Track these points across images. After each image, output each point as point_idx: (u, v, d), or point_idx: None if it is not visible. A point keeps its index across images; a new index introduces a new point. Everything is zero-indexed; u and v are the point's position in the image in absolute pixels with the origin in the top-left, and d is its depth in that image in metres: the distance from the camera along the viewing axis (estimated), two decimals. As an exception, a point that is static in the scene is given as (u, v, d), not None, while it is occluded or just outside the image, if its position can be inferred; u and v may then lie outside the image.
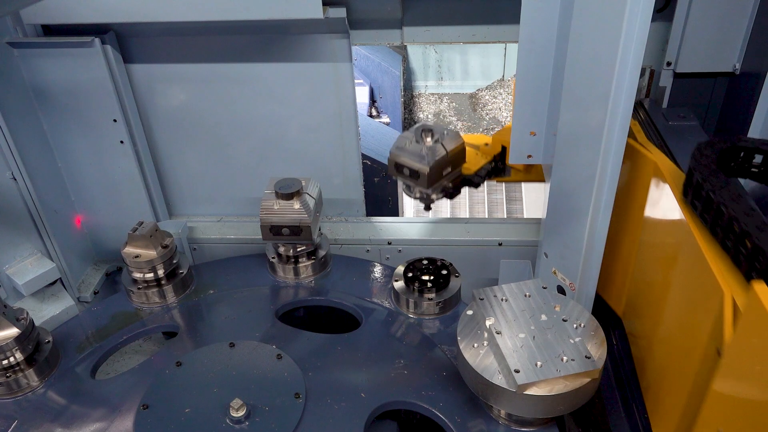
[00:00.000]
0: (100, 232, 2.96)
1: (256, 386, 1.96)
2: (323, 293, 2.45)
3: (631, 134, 1.86)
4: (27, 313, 2.06)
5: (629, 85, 1.62)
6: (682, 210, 1.57)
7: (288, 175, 2.40)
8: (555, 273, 2.18)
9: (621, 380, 2.12)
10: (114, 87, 2.53)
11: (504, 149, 2.36)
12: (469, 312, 1.92)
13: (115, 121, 2.60)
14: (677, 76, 2.49)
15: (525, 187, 6.71)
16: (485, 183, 2.42)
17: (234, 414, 1.81)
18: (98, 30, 2.43)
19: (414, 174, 2.08)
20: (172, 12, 2.31)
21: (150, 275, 2.37)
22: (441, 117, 8.34)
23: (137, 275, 2.37)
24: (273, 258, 2.50)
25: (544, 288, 1.93)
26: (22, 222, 2.52)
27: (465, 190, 2.36)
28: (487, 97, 8.32)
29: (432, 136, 2.07)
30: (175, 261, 2.44)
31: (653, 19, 1.62)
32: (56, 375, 2.11)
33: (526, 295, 1.91)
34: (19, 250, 2.56)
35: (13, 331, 1.97)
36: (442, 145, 2.09)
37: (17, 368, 2.03)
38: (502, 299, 1.90)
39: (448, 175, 2.15)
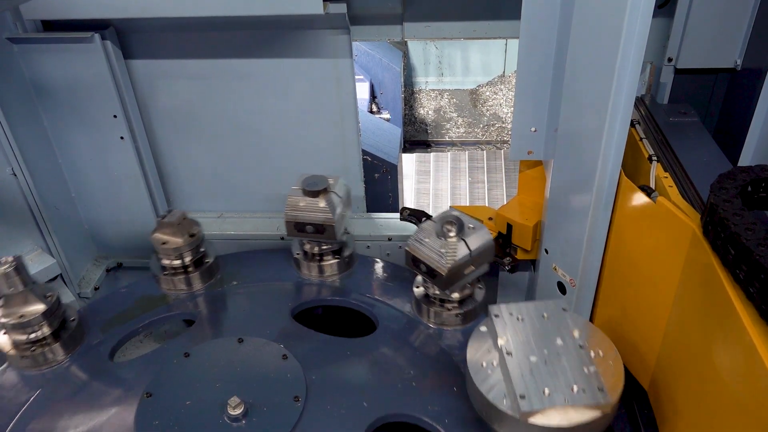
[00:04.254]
0: (100, 228, 2.96)
1: (257, 385, 1.94)
2: (343, 294, 2.38)
3: (663, 191, 1.78)
4: (54, 290, 2.11)
5: (630, 81, 1.62)
6: (726, 284, 1.41)
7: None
8: (555, 269, 2.18)
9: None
10: (114, 83, 2.52)
11: (510, 228, 2.35)
12: (483, 328, 1.80)
13: (115, 117, 2.60)
14: (678, 71, 2.49)
15: (526, 183, 6.71)
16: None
17: (231, 411, 1.80)
18: (98, 25, 2.43)
19: (431, 272, 1.98)
20: (172, 7, 2.31)
21: (177, 262, 2.38)
22: (441, 113, 8.33)
23: (165, 261, 2.39)
24: (297, 254, 2.45)
25: (565, 310, 1.79)
26: (22, 218, 2.53)
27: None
28: (487, 93, 8.30)
29: (455, 231, 1.94)
30: (202, 249, 2.44)
31: (654, 15, 1.62)
32: (79, 352, 2.14)
33: (543, 316, 1.77)
34: (20, 246, 2.56)
35: (40, 307, 2.02)
36: (465, 242, 1.94)
37: (43, 343, 2.08)
38: (517, 318, 1.76)
39: (471, 274, 2.02)
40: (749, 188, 1.53)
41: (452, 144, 8.33)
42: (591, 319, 2.17)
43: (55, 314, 2.08)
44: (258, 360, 2.05)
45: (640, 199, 1.77)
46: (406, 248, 2.04)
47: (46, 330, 2.06)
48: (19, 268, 1.98)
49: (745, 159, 1.92)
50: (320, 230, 2.28)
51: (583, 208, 1.92)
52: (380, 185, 4.75)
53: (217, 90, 2.67)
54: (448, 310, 2.14)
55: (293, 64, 2.56)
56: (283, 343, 2.09)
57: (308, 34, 2.48)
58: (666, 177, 1.88)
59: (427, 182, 6.75)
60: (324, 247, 2.42)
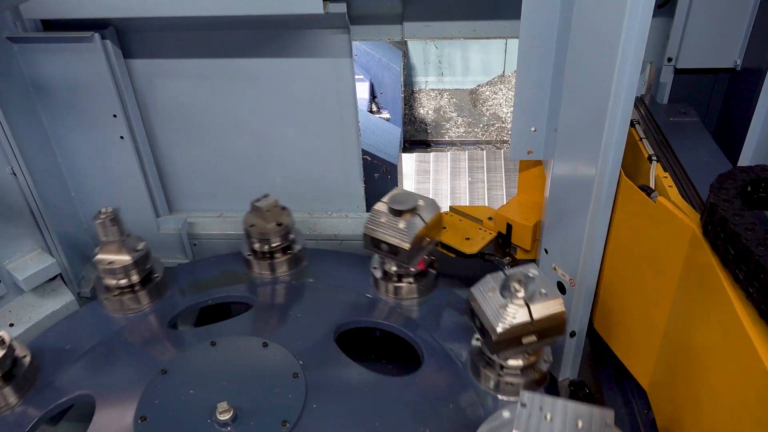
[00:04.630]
0: (100, 227, 2.95)
1: (257, 395, 1.89)
2: (403, 322, 2.21)
3: (662, 191, 1.77)
4: (145, 246, 2.31)
5: (630, 81, 1.62)
6: (726, 284, 1.39)
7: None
8: (555, 269, 2.18)
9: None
10: (114, 82, 2.52)
11: (510, 228, 2.34)
12: (506, 414, 1.53)
13: (114, 116, 2.60)
14: (678, 71, 2.49)
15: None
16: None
17: (219, 416, 1.79)
18: (98, 25, 2.43)
19: (484, 332, 1.77)
20: (172, 7, 2.31)
21: (265, 247, 2.44)
22: (441, 113, 8.33)
23: (254, 245, 2.45)
24: (374, 268, 2.36)
25: (608, 425, 1.45)
26: (22, 217, 2.52)
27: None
28: (487, 93, 8.30)
29: (523, 292, 1.70)
30: (291, 236, 2.48)
31: (654, 15, 1.62)
32: (153, 308, 2.29)
33: (577, 425, 1.44)
34: (20, 245, 2.56)
35: (127, 258, 2.23)
36: (529, 309, 1.69)
37: (126, 291, 2.28)
38: (546, 415, 1.46)
39: (532, 345, 1.76)
40: (749, 188, 1.53)
41: (452, 144, 8.33)
42: (591, 319, 2.17)
43: (140, 267, 2.27)
44: (269, 370, 1.99)
45: (639, 199, 1.77)
46: (468, 296, 1.82)
47: (134, 278, 2.26)
48: (116, 219, 2.20)
49: (745, 159, 1.92)
50: (394, 251, 2.13)
51: (582, 208, 1.91)
52: (380, 185, 4.75)
53: (217, 90, 2.67)
54: (501, 375, 1.88)
55: (293, 64, 2.56)
56: (303, 360, 2.01)
57: (308, 33, 2.48)
58: (666, 177, 1.88)
59: (427, 182, 6.75)
60: (401, 269, 2.29)
